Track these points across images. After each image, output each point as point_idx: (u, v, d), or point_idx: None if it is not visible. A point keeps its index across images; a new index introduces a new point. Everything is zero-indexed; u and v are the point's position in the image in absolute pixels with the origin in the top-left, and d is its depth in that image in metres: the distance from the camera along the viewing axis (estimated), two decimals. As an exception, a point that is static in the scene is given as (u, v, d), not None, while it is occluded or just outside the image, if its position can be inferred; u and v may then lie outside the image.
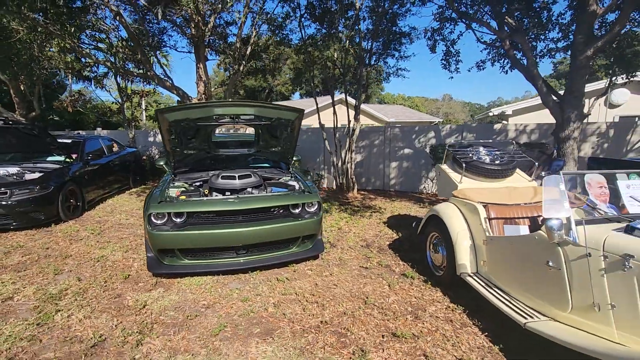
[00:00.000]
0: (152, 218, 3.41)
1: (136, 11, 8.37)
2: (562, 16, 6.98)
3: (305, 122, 16.82)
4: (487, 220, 3.02)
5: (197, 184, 4.30)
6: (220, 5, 8.12)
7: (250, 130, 5.96)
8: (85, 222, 5.76)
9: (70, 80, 14.09)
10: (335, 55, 8.40)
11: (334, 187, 9.00)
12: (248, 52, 8.88)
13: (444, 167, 4.01)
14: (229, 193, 3.98)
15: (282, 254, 3.75)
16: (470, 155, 3.79)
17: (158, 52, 10.04)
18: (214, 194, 4.02)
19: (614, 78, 7.57)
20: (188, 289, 3.36)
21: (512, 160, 3.81)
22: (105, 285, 3.46)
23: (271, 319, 2.87)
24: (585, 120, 6.83)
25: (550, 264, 2.25)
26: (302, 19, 7.94)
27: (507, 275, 2.74)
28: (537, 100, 14.75)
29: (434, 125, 8.90)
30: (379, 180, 9.23)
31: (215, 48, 9.73)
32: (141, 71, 9.93)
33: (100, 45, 9.43)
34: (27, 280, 3.56)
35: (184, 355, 2.40)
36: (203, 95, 9.02)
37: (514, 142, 4.85)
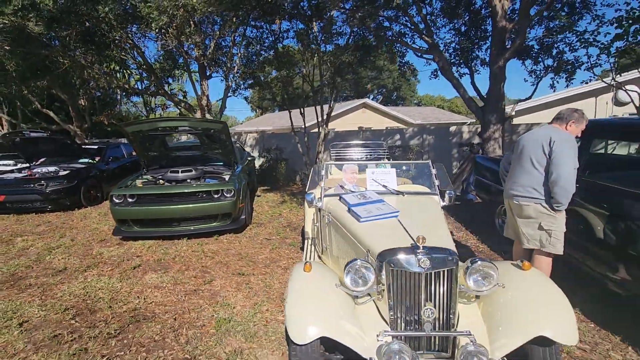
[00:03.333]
0: (114, 198, 5.03)
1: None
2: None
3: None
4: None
5: (158, 176, 5.88)
6: (218, 32, 9.85)
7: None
8: (100, 208, 7.67)
9: (119, 96, 17.14)
10: (309, 70, 9.69)
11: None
12: (236, 70, 10.48)
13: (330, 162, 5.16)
14: (174, 183, 5.51)
15: (206, 226, 5.18)
16: (343, 153, 4.90)
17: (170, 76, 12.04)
18: (166, 183, 5.57)
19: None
20: (133, 247, 4.92)
21: (380, 157, 4.86)
22: (86, 244, 5.14)
23: (171, 263, 4.31)
24: (513, 122, 7.44)
25: (316, 223, 3.42)
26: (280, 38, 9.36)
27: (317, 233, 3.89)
28: (539, 102, 14.76)
29: (399, 129, 9.77)
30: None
31: (216, 66, 11.49)
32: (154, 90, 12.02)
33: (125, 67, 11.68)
34: (41, 240, 5.36)
35: (106, 277, 3.91)
36: (206, 108, 10.82)
37: (385, 142, 5.75)
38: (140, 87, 11.98)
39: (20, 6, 6.69)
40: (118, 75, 12.11)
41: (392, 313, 1.92)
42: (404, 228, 2.24)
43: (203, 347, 2.66)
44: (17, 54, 8.15)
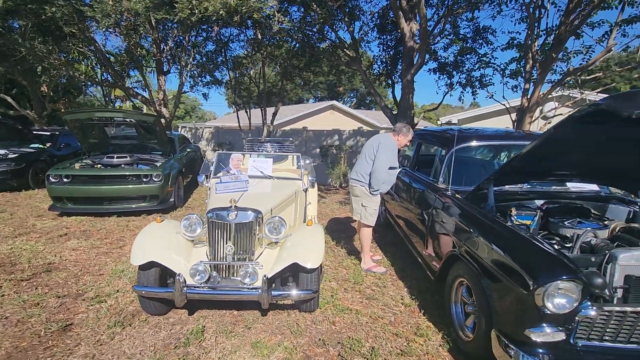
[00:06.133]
0: (50, 177, 5.70)
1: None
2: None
3: (293, 126, 18.98)
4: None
5: (97, 161, 6.56)
6: (176, 31, 10.50)
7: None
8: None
9: (83, 86, 17.41)
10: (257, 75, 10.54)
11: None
12: (189, 67, 11.15)
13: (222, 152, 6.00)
14: (109, 167, 6.21)
15: (134, 205, 5.92)
16: (258, 147, 5.77)
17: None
18: (102, 167, 6.26)
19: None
20: (66, 221, 5.60)
21: (287, 151, 5.75)
22: (23, 218, 5.76)
23: (95, 233, 5.04)
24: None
25: (206, 200, 4.26)
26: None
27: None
28: (480, 111, 16.17)
29: (337, 130, 10.76)
30: (297, 174, 11.24)
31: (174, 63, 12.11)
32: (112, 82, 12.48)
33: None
34: (-18, 213, 5.95)
35: (32, 242, 4.60)
36: (162, 102, 11.43)
37: (290, 139, 6.65)
38: (101, 78, 12.47)
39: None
40: (82, 65, 12.55)
41: (210, 249, 2.80)
42: (239, 197, 3.12)
43: (94, 287, 3.45)
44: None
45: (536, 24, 6.54)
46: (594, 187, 3.18)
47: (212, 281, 2.66)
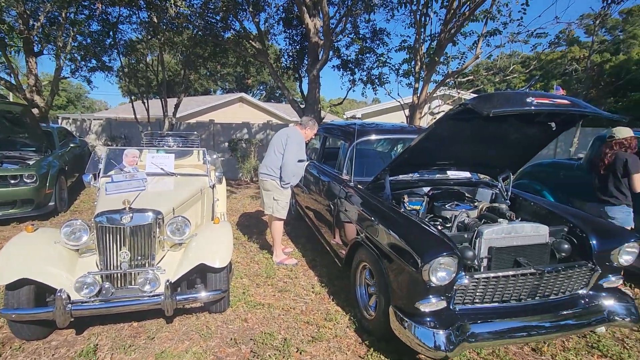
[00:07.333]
0: None
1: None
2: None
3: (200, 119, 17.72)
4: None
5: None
6: (48, 5, 8.86)
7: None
8: None
9: None
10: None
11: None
12: (68, 49, 9.64)
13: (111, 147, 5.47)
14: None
15: (2, 213, 4.92)
16: (158, 141, 5.30)
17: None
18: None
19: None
20: None
21: (191, 146, 5.40)
22: None
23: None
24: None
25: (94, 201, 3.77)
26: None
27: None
28: (382, 106, 17.50)
29: (246, 123, 10.55)
30: (205, 170, 10.68)
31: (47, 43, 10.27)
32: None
33: None
34: None
35: None
36: (34, 88, 9.62)
37: (195, 132, 6.47)
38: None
39: None
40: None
41: (101, 258, 2.50)
42: (135, 197, 2.83)
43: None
44: None
45: (422, 30, 7.32)
46: (467, 174, 3.73)
47: (104, 293, 2.38)
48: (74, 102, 39.74)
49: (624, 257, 2.42)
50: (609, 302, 2.41)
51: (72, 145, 7.16)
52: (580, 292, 2.46)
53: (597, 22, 10.09)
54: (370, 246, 2.65)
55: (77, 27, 8.71)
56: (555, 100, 2.23)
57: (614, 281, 2.47)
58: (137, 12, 8.70)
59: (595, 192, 3.59)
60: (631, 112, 16.36)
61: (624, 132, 3.42)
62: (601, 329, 2.40)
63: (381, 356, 2.47)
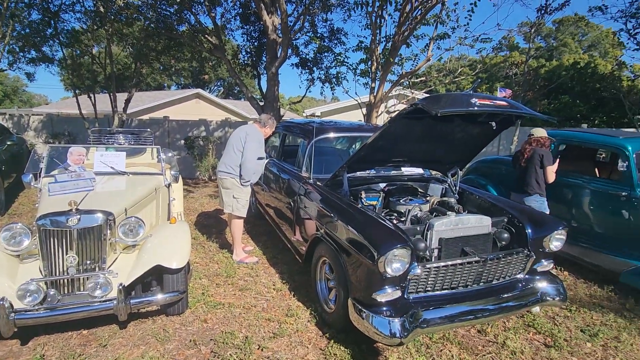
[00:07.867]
0: None
1: None
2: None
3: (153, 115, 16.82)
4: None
5: None
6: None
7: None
8: None
9: None
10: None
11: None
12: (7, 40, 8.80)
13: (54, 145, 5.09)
14: None
15: None
16: (107, 139, 4.99)
17: None
18: None
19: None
20: None
21: (144, 143, 5.15)
22: None
23: None
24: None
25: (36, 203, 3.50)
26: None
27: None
28: (340, 105, 17.75)
29: (203, 120, 10.25)
30: (159, 168, 10.22)
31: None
32: None
33: None
34: None
35: None
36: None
37: (149, 129, 6.24)
38: None
39: None
40: None
41: (45, 263, 2.34)
42: (82, 198, 2.67)
43: None
44: None
45: (378, 31, 7.53)
46: (419, 170, 3.93)
47: (49, 301, 2.23)
48: (11, 95, 36.08)
49: (554, 243, 2.71)
50: (542, 285, 2.68)
51: (8, 143, 6.53)
52: (518, 276, 2.72)
53: (533, 30, 10.99)
54: (329, 241, 2.73)
55: (16, 18, 7.93)
56: (495, 101, 2.43)
57: (546, 265, 2.76)
58: (81, 1, 8.11)
59: (517, 182, 4.07)
60: (561, 114, 18.08)
61: (540, 132, 3.98)
62: (536, 309, 2.67)
63: (341, 347, 2.55)
